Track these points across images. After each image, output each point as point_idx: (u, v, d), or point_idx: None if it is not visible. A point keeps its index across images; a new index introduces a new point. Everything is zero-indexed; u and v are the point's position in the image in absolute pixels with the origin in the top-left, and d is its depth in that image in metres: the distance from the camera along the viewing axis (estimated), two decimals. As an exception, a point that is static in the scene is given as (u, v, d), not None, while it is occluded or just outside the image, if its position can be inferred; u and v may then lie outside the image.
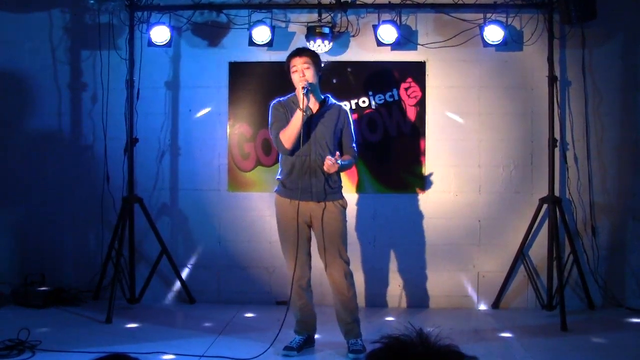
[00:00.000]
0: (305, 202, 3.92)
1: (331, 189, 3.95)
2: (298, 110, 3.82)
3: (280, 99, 4.06)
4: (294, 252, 3.92)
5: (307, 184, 3.91)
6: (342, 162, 3.90)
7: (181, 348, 3.98)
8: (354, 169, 4.89)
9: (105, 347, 3.95)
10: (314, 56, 3.98)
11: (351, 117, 4.14)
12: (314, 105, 3.97)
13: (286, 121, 3.92)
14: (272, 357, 3.89)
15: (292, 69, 3.93)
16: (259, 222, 5.31)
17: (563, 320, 4.48)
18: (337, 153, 3.86)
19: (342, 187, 4.06)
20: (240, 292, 5.30)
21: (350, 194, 5.07)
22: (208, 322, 4.67)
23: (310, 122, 3.92)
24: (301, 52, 4.00)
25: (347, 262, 3.98)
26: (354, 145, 4.10)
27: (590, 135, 5.17)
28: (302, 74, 3.88)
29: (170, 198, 5.38)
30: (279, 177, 4.03)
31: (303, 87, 3.82)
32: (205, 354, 3.92)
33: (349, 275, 3.97)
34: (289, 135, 3.85)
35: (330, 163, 3.77)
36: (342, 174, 4.14)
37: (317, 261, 4.05)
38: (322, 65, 4.11)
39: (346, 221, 4.02)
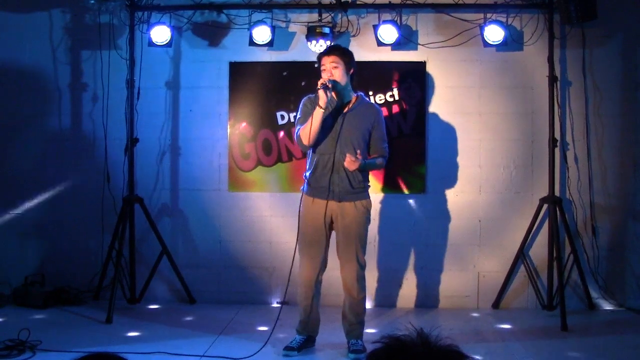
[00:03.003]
0: (327, 202, 3.89)
1: (353, 189, 3.90)
2: (317, 108, 3.79)
3: (311, 95, 4.02)
4: (308, 252, 3.91)
5: (329, 182, 3.87)
6: (366, 161, 3.86)
7: (181, 348, 3.98)
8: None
9: (106, 347, 3.95)
10: (343, 55, 3.92)
11: (383, 116, 4.09)
12: (333, 101, 3.90)
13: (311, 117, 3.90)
14: (273, 357, 3.90)
15: (322, 68, 3.90)
16: (260, 222, 5.30)
17: (563, 321, 4.49)
18: (358, 151, 3.83)
19: (368, 187, 4.01)
20: (240, 292, 5.30)
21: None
22: (208, 322, 4.66)
23: (338, 121, 3.89)
24: (330, 51, 3.96)
25: (362, 266, 3.96)
26: (385, 145, 4.03)
27: (591, 135, 5.17)
28: (330, 73, 3.84)
29: (170, 198, 5.37)
30: (306, 175, 4.01)
31: (321, 84, 3.77)
32: (206, 353, 3.92)
33: (361, 279, 3.95)
34: (307, 131, 3.83)
35: (350, 160, 3.75)
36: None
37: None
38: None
39: (368, 223, 3.98)
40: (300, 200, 3.98)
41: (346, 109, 3.94)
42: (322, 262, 3.97)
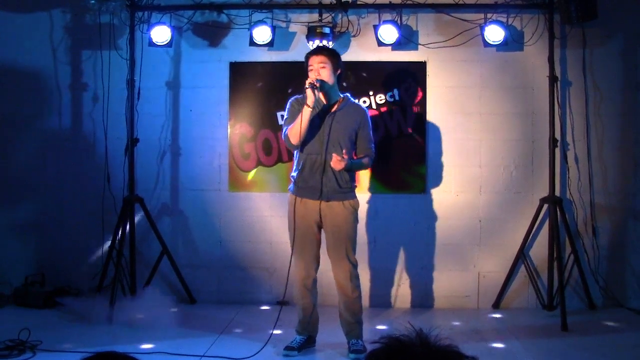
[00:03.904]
0: (315, 201, 3.90)
1: (341, 189, 3.91)
2: (305, 107, 3.81)
3: (298, 96, 4.04)
4: (300, 251, 3.91)
5: (317, 182, 3.89)
6: (352, 161, 3.89)
7: (181, 348, 3.98)
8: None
9: (106, 347, 3.94)
10: (331, 55, 3.95)
11: (369, 117, 4.10)
12: (320, 102, 3.92)
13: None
14: (273, 357, 3.90)
15: (309, 68, 3.92)
16: (260, 222, 5.30)
17: (563, 321, 4.49)
18: (344, 150, 3.85)
19: (355, 187, 4.03)
20: (240, 292, 5.30)
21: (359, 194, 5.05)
22: (208, 322, 4.66)
23: (326, 121, 3.90)
24: (318, 51, 3.99)
25: (354, 264, 3.96)
26: (371, 146, 4.05)
27: (591, 135, 5.17)
28: (317, 73, 3.87)
29: (170, 198, 5.38)
30: (293, 175, 4.02)
31: (309, 83, 3.79)
32: (206, 354, 3.92)
33: (354, 277, 3.95)
34: (294, 131, 3.84)
35: (336, 160, 3.77)
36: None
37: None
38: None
39: (357, 222, 4.00)
40: (292, 201, 3.98)
41: (334, 109, 3.96)
42: (315, 261, 3.98)
